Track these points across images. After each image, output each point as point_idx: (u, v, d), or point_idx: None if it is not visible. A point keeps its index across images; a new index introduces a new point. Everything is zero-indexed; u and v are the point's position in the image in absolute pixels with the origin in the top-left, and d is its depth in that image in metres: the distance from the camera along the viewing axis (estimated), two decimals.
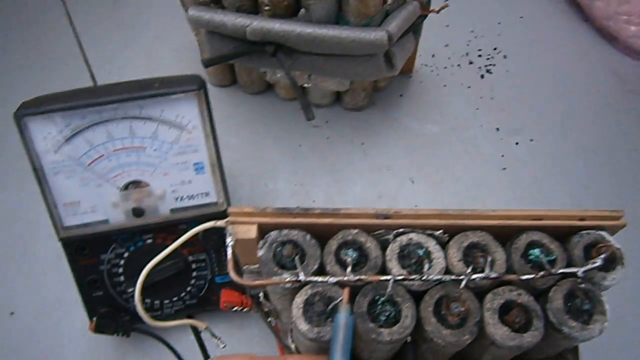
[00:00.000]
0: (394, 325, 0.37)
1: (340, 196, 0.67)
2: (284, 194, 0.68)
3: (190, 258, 0.54)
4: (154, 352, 0.57)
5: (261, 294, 0.49)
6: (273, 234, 0.40)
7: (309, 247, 0.39)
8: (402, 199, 0.67)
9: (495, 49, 0.83)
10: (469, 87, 0.78)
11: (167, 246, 0.52)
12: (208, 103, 0.49)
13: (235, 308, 0.53)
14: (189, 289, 0.55)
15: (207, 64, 0.62)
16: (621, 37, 0.81)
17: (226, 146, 0.68)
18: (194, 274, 0.55)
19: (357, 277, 0.37)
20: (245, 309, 0.53)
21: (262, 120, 0.74)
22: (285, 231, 0.40)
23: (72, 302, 0.60)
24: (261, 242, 0.39)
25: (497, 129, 0.74)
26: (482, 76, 0.79)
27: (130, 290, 0.54)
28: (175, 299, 0.56)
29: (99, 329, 0.53)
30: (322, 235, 0.40)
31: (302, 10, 0.58)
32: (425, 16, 0.65)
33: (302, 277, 0.37)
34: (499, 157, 0.72)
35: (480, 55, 0.82)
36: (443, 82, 0.79)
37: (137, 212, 0.50)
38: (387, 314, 0.37)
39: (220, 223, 0.40)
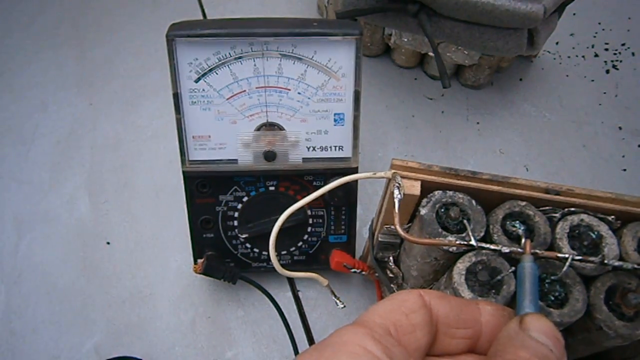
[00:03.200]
0: (563, 307, 0.34)
1: None
2: None
3: (309, 212, 0.52)
4: (252, 302, 0.56)
5: (391, 258, 0.47)
6: (437, 193, 0.37)
7: (474, 213, 0.37)
8: None
9: (623, 44, 0.79)
10: (592, 80, 0.75)
11: (288, 195, 0.51)
12: (361, 52, 0.46)
13: (353, 269, 0.51)
14: (300, 244, 0.53)
15: (340, 16, 0.59)
16: None
17: None
18: (310, 229, 0.53)
19: (534, 251, 0.34)
20: (360, 271, 0.51)
21: (376, 86, 0.71)
22: (450, 192, 0.37)
23: (167, 241, 0.59)
24: (424, 200, 0.37)
25: (620, 128, 0.70)
26: (607, 71, 0.76)
27: (243, 235, 0.52)
28: (284, 252, 0.54)
29: (207, 271, 0.52)
30: (486, 203, 0.38)
31: None
32: None
33: (473, 242, 0.35)
34: (619, 157, 0.68)
35: (606, 49, 0.78)
36: (565, 72, 0.75)
37: (269, 156, 0.48)
38: (556, 294, 0.35)
39: (386, 174, 0.37)
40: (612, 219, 0.37)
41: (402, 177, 0.37)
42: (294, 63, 0.46)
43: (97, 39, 0.77)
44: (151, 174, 0.64)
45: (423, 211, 0.37)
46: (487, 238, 0.37)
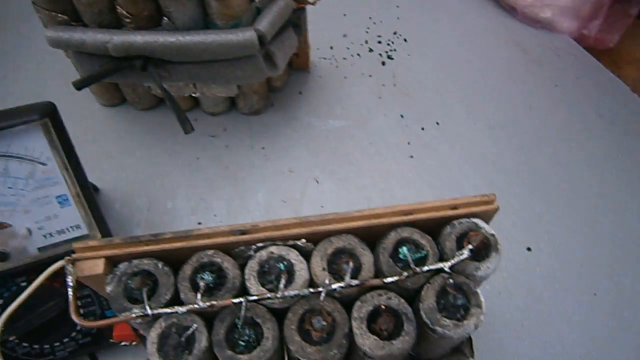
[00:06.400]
0: (254, 350, 0.34)
1: (243, 206, 0.64)
2: (183, 212, 0.64)
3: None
4: None
5: None
6: (122, 265, 0.37)
7: (161, 276, 0.36)
8: (307, 201, 0.65)
9: (395, 33, 0.81)
10: (370, 75, 0.76)
11: (45, 285, 0.49)
12: (62, 130, 0.45)
13: (124, 343, 0.50)
14: (78, 327, 0.52)
15: (78, 86, 0.58)
16: (519, 6, 0.80)
17: (122, 167, 0.65)
18: (81, 311, 0.51)
19: (209, 303, 0.34)
20: (134, 343, 0.50)
21: (156, 137, 0.70)
22: (135, 261, 0.37)
23: None
24: (109, 277, 0.36)
25: (402, 116, 0.72)
26: (383, 63, 0.77)
27: (11, 337, 0.50)
28: (66, 340, 0.52)
29: None
30: (179, 261, 0.37)
31: (165, 19, 0.55)
32: (303, 9, 0.63)
33: (148, 310, 0.34)
34: (405, 145, 0.70)
35: (380, 42, 0.80)
36: (343, 74, 0.76)
37: (2, 257, 0.47)
38: (246, 338, 0.35)
39: (59, 263, 0.36)
40: (303, 242, 0.37)
41: (86, 258, 0.36)
42: None
43: None
44: None
45: (108, 288, 0.36)
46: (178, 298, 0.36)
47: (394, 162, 0.68)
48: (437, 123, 0.71)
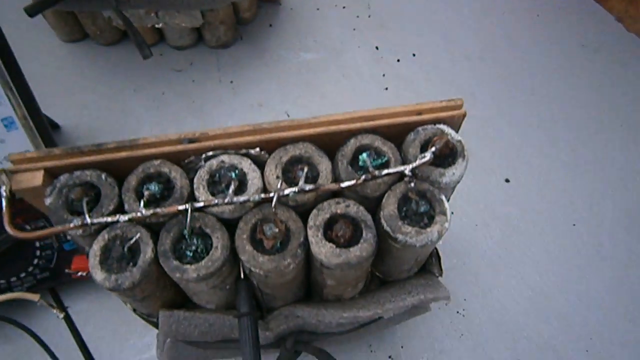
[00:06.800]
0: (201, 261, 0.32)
1: None
2: None
3: (28, 227, 0.48)
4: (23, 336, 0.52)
5: None
6: (63, 177, 0.34)
7: (104, 187, 0.34)
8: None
9: None
10: (344, 7, 0.73)
11: None
12: (4, 47, 0.42)
13: (82, 273, 0.48)
14: (35, 261, 0.50)
15: (30, 12, 0.55)
16: None
17: (84, 105, 0.62)
18: (37, 244, 0.49)
19: (152, 211, 0.32)
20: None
21: (120, 72, 0.67)
22: (77, 173, 0.34)
23: None
24: (49, 189, 0.34)
25: (377, 48, 0.69)
26: None
27: None
28: (23, 275, 0.50)
29: None
30: (124, 173, 0.35)
31: None
32: None
33: (87, 220, 0.32)
34: (380, 78, 0.67)
35: None
36: (316, 6, 0.73)
37: None
38: (194, 248, 0.33)
39: None
40: (257, 151, 0.35)
41: (24, 170, 0.34)
42: None
43: None
44: None
45: (48, 200, 0.33)
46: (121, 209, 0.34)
47: (368, 95, 0.66)
48: (414, 55, 0.69)
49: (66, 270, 0.48)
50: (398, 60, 0.68)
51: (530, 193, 0.61)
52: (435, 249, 0.42)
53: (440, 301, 0.41)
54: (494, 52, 0.69)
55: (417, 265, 0.41)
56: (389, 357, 0.52)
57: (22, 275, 0.50)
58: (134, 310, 0.42)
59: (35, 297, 0.44)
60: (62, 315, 0.45)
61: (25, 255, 0.49)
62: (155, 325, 0.42)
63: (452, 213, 0.59)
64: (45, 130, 0.47)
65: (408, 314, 0.45)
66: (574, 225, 0.59)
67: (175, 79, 0.66)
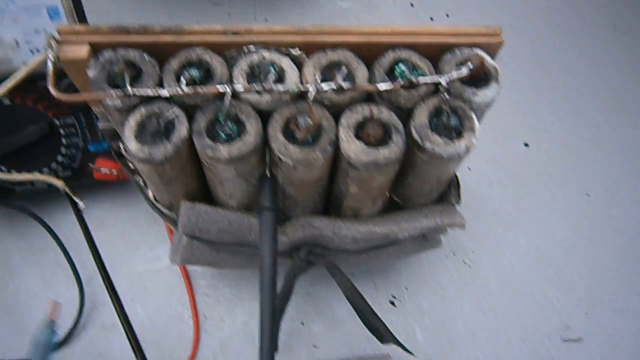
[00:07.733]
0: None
1: None
2: None
3: (57, 122, 0.49)
4: (35, 231, 0.53)
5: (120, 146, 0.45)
6: (107, 53, 0.35)
7: (145, 66, 0.35)
8: None
9: None
10: None
11: (27, 106, 0.48)
12: None
13: (105, 170, 0.49)
14: (59, 158, 0.50)
15: None
16: None
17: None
18: (64, 140, 0.50)
19: (192, 91, 0.32)
20: (119, 178, 0.49)
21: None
22: (121, 50, 0.35)
23: None
24: (92, 62, 0.35)
25: (412, 5, 0.70)
26: None
27: None
28: (45, 169, 0.51)
29: None
30: (167, 57, 0.36)
31: None
32: None
33: (129, 90, 0.32)
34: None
35: None
36: None
37: None
38: (227, 131, 0.33)
39: (42, 54, 0.34)
40: (297, 51, 0.36)
41: (70, 42, 0.35)
42: None
43: None
44: None
45: (91, 73, 0.34)
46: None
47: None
48: (447, 15, 0.69)
49: (90, 165, 0.48)
50: (432, 19, 0.69)
51: (547, 160, 0.62)
52: (456, 177, 0.42)
53: (455, 227, 0.42)
54: (526, 24, 0.70)
55: (437, 191, 0.42)
56: (392, 295, 0.53)
57: (45, 170, 0.51)
58: (155, 201, 0.43)
59: (59, 182, 0.45)
60: (83, 206, 0.46)
61: (50, 150, 0.50)
62: (172, 221, 0.43)
63: (469, 169, 0.60)
64: (85, 20, 0.47)
65: (420, 245, 0.45)
66: (588, 195, 0.60)
67: (211, 12, 0.67)
